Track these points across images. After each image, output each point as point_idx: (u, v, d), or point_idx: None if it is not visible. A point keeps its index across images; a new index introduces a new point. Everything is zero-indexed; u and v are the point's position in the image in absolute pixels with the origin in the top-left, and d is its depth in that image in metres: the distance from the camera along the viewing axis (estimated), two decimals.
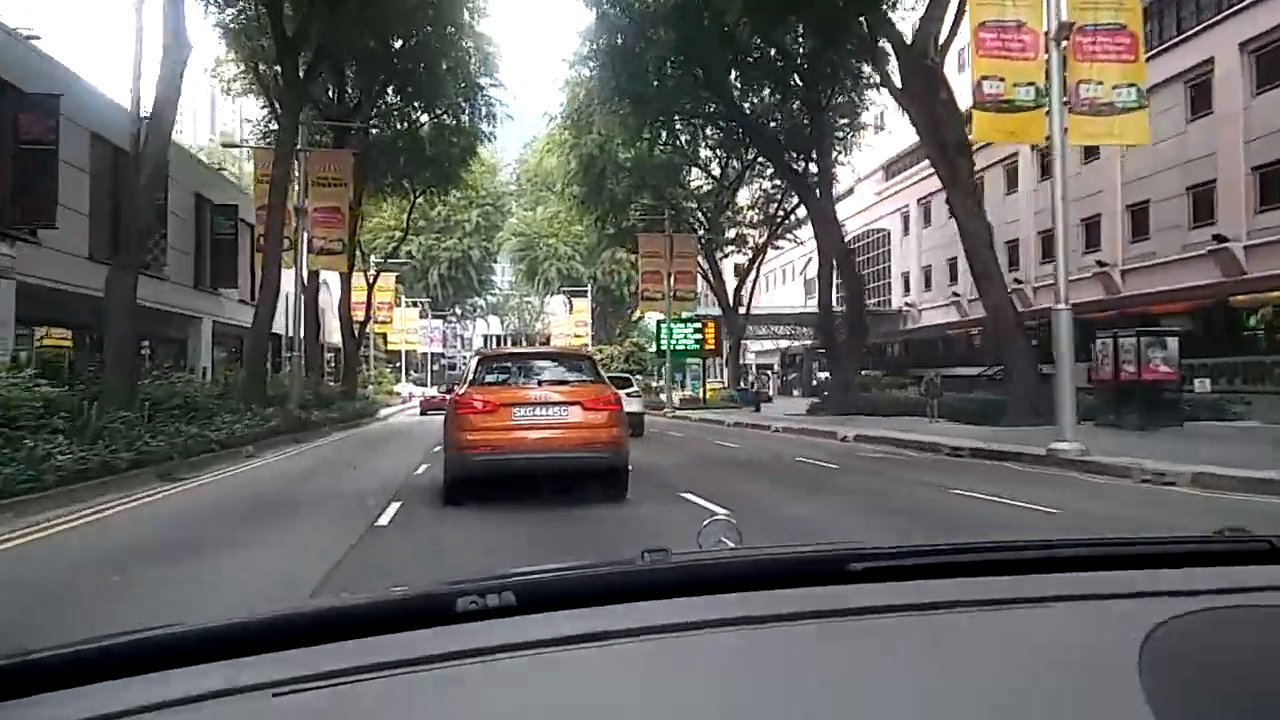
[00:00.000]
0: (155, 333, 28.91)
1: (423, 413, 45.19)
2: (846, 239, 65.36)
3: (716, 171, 54.11)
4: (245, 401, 22.90)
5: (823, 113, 35.39)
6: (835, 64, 33.87)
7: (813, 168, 39.09)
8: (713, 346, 47.47)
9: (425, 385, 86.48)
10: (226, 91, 40.73)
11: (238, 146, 33.85)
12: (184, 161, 32.65)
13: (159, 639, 1.08)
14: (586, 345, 76.75)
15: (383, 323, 61.02)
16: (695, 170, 55.49)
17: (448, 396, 14.43)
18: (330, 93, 36.88)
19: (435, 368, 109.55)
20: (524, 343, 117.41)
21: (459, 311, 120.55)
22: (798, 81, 35.31)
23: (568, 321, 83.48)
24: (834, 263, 35.98)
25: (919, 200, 53.57)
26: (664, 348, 45.39)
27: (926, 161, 56.78)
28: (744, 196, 57.06)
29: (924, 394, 25.44)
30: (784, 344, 70.35)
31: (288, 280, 28.54)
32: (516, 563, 1.77)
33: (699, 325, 46.21)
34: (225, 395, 22.96)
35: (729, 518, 1.69)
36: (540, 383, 10.60)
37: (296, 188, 28.42)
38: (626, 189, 49.10)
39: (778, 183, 53.05)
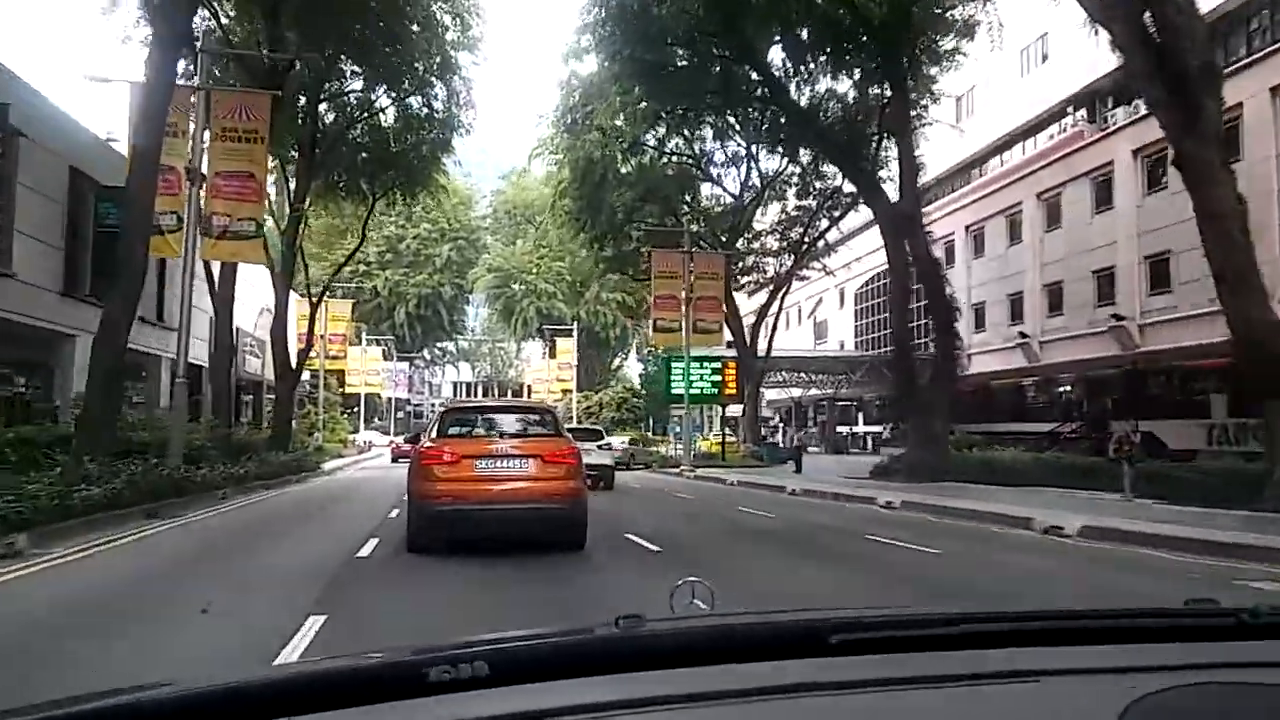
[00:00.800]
0: None
1: (393, 459, 43.84)
2: (868, 275, 58.54)
3: (734, 186, 45.62)
4: (83, 451, 13.98)
5: (904, 85, 26.95)
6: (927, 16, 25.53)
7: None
8: (733, 391, 38.61)
9: (388, 433, 77.05)
10: None
11: (107, 81, 24.18)
12: (55, 122, 23.71)
13: (108, 709, 1.07)
14: (570, 393, 67.64)
15: (335, 358, 51.56)
16: (706, 187, 46.93)
17: (412, 447, 13.53)
18: (259, 41, 27.99)
19: (400, 414, 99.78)
20: (496, 391, 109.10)
21: (428, 356, 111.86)
22: (869, 44, 26.74)
23: (547, 367, 74.32)
24: (906, 286, 27.38)
25: (968, 227, 45.40)
26: (676, 391, 36.32)
27: (973, 183, 49.31)
28: (759, 221, 48.58)
29: (1115, 455, 16.75)
30: (796, 393, 61.64)
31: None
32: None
33: (717, 365, 37.43)
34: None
35: (701, 580, 1.63)
36: (502, 435, 10.89)
37: (192, 142, 19.93)
38: (629, 202, 40.46)
39: (804, 202, 44.70)
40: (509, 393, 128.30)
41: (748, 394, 41.52)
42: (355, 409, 68.31)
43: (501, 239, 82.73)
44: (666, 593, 1.76)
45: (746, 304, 47.92)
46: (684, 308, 33.93)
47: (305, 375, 41.17)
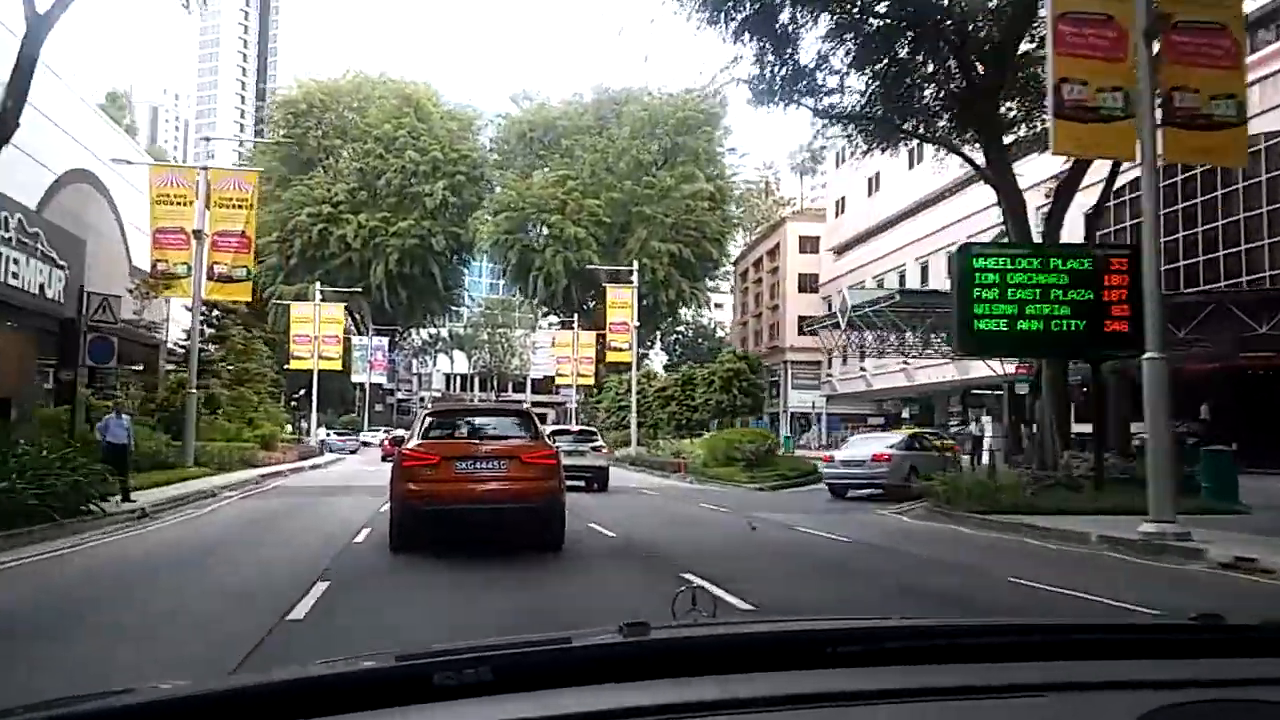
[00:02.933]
0: None
1: (384, 458, 35.60)
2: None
3: None
4: None
5: None
6: None
7: None
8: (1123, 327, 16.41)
9: (360, 430, 54.62)
10: None
11: None
12: None
13: (99, 710, 1.07)
14: (627, 370, 45.14)
15: (225, 279, 28.30)
16: None
17: (396, 448, 14.78)
18: None
19: (379, 407, 76.71)
20: (495, 385, 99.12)
21: (417, 340, 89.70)
22: None
23: (575, 343, 51.71)
24: None
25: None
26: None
27: None
28: None
29: None
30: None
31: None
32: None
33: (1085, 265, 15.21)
34: None
35: (702, 586, 1.65)
36: (483, 437, 11.35)
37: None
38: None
39: None
40: (509, 387, 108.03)
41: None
42: (302, 393, 45.70)
43: (514, 171, 59.66)
44: None
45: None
46: None
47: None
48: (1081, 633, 1.39)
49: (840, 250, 63.40)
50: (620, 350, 42.84)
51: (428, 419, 12.03)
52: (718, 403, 37.76)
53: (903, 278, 49.38)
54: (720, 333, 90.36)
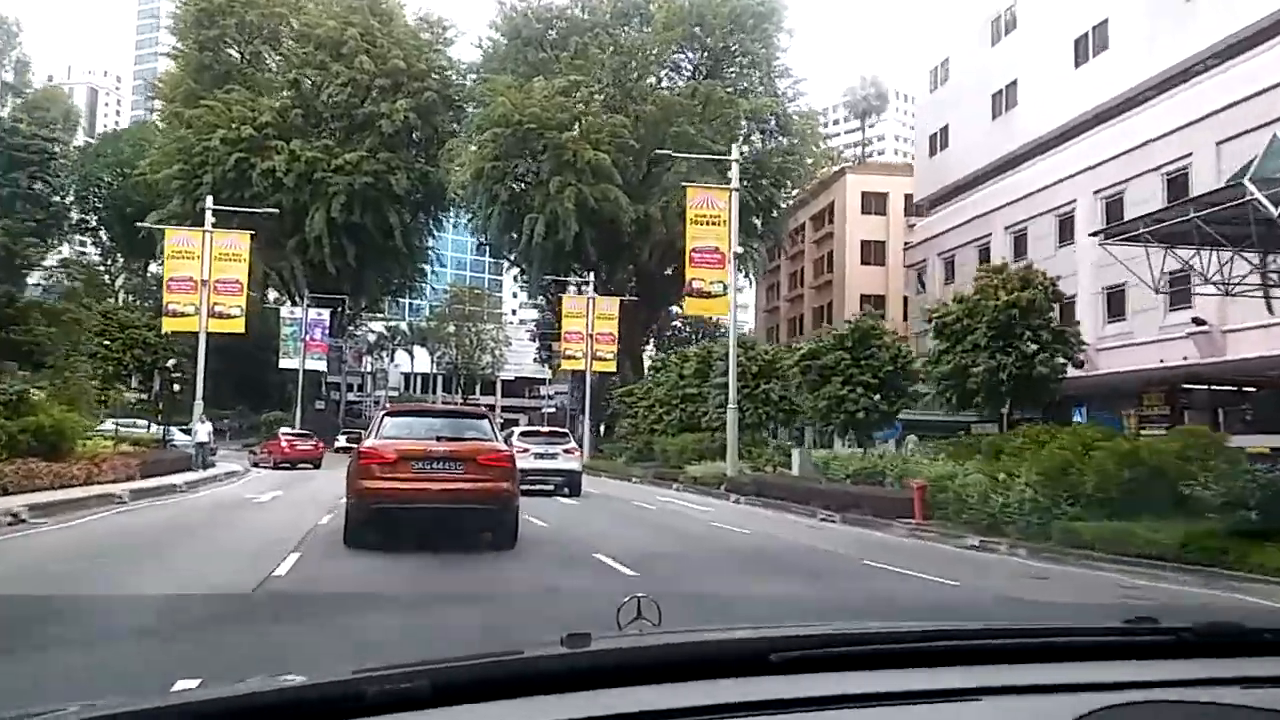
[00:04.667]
0: None
1: (276, 465, 32.16)
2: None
3: None
4: None
5: None
6: None
7: None
8: None
9: (291, 430, 36.95)
10: None
11: None
12: None
13: None
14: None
15: None
16: None
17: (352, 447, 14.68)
18: None
19: (319, 404, 58.85)
20: (460, 386, 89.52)
21: (370, 332, 73.44)
22: None
23: (591, 310, 34.43)
24: None
25: None
26: None
27: None
28: None
29: None
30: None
31: None
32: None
33: None
34: None
35: (647, 595, 1.66)
36: (439, 438, 11.17)
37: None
38: None
39: None
40: (477, 388, 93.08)
41: None
42: (179, 371, 28.32)
43: (515, 74, 41.95)
44: None
45: None
46: None
47: None
48: (1018, 637, 1.39)
49: (938, 201, 47.22)
50: (709, 296, 25.99)
51: (385, 419, 12.33)
52: (987, 372, 19.34)
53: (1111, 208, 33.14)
54: (722, 328, 71.55)
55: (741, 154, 44.50)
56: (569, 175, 40.88)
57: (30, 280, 61.51)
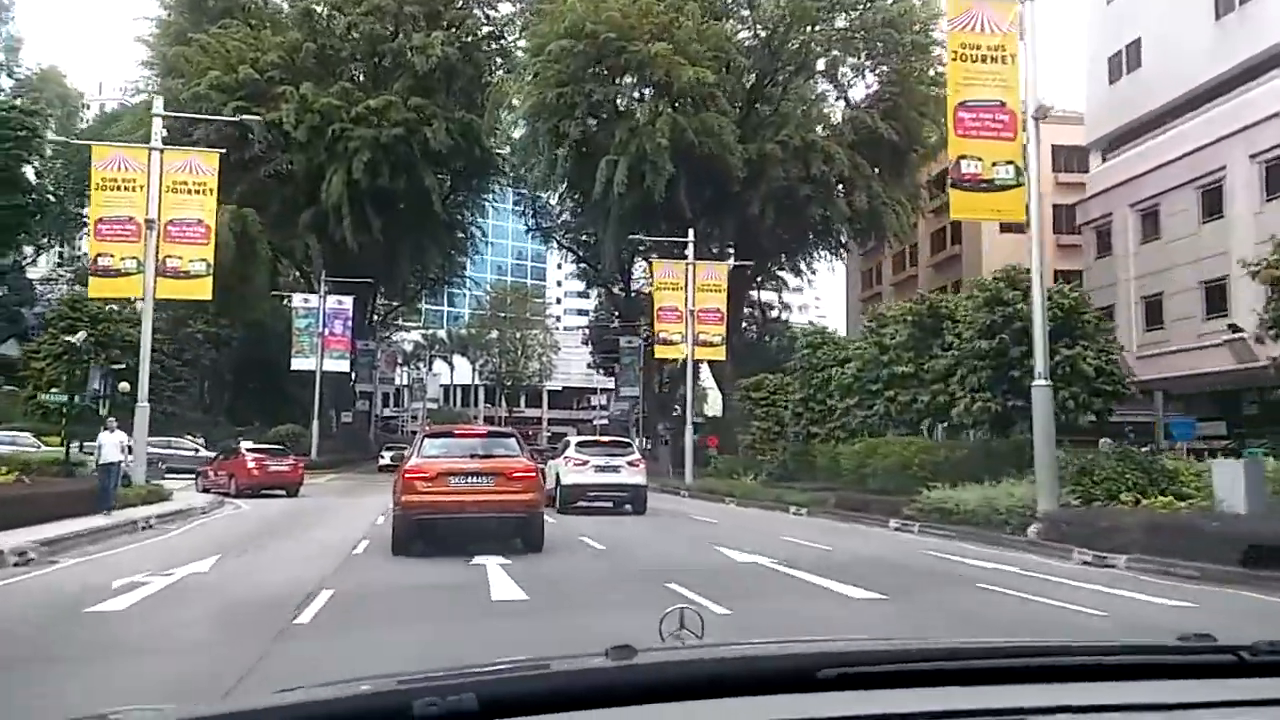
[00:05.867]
0: None
1: (206, 490, 24.51)
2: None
3: None
4: None
5: None
6: None
7: None
8: None
9: (258, 445, 26.75)
10: None
11: None
12: None
13: None
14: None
15: None
16: None
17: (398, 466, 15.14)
18: None
19: (346, 417, 49.34)
20: (505, 396, 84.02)
21: (407, 339, 66.22)
22: None
23: (690, 277, 23.73)
24: None
25: None
26: None
27: None
28: None
29: None
30: None
31: None
32: None
33: None
34: None
35: (690, 606, 1.66)
36: (473, 456, 12.60)
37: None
38: None
39: None
40: (521, 400, 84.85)
41: None
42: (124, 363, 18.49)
43: None
44: None
45: None
46: None
47: None
48: (1072, 655, 1.37)
49: (1124, 139, 36.46)
50: (986, 187, 15.41)
51: (426, 440, 13.53)
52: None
53: None
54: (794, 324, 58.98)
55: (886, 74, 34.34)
56: (659, 101, 30.56)
57: None
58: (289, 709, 1.12)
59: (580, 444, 20.56)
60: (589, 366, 74.43)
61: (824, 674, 1.18)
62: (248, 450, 24.36)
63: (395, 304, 62.43)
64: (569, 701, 1.10)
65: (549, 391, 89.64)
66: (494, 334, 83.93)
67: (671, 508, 21.91)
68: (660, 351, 31.72)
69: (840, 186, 32.86)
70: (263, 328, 47.30)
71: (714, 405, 68.12)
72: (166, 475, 23.90)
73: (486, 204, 54.70)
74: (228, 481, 23.26)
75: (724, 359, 31.69)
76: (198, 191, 20.85)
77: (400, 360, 75.01)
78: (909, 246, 54.57)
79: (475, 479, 12.05)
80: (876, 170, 34.99)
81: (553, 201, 54.65)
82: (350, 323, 41.65)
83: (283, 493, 23.31)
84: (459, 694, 1.06)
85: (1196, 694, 1.21)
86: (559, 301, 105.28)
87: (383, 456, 38.74)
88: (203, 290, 20.84)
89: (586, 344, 70.77)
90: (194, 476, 25.03)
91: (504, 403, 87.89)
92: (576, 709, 1.08)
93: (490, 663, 1.24)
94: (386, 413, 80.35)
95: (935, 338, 16.50)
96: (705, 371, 69.13)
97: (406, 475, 12.18)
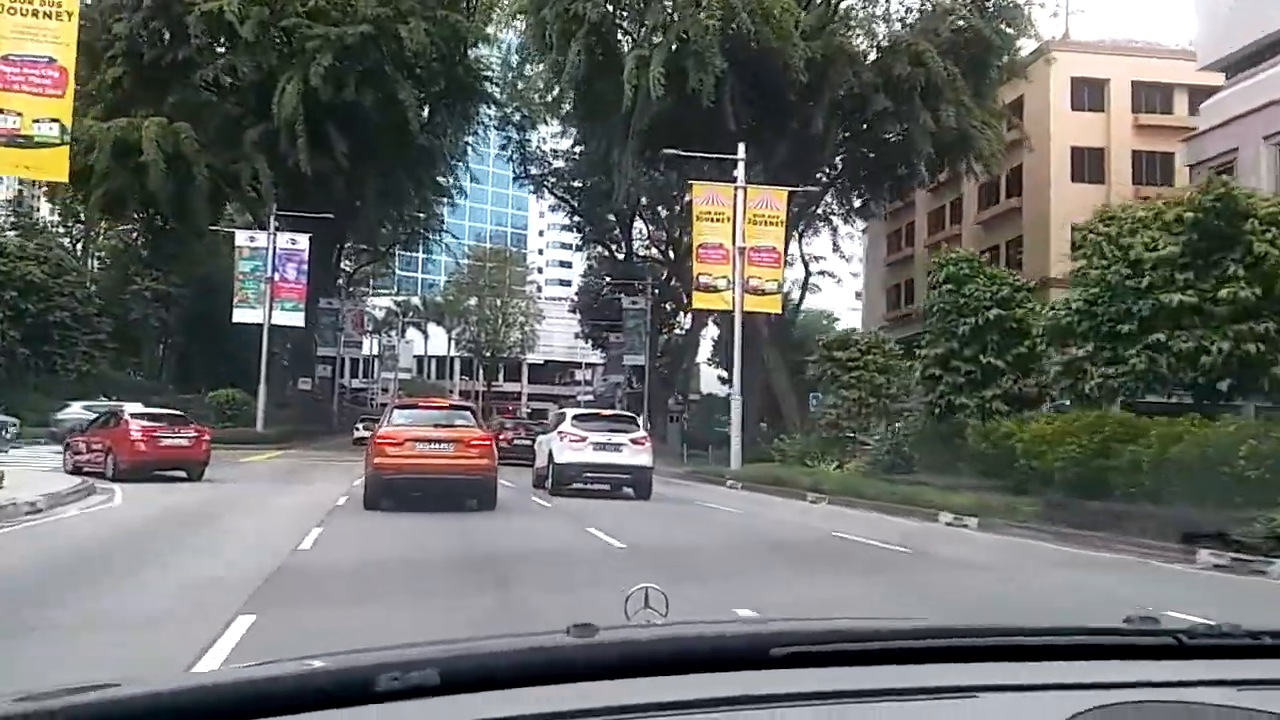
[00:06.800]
0: None
1: (74, 469, 18.48)
2: None
3: None
4: None
5: None
6: None
7: None
8: None
9: (147, 410, 19.16)
10: None
11: None
12: None
13: (32, 711, 1.05)
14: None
15: None
16: None
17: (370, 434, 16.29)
18: None
19: (303, 384, 42.02)
20: (482, 369, 79.15)
21: (376, 305, 60.03)
22: None
23: (740, 206, 16.53)
24: None
25: None
26: None
27: None
28: None
29: None
30: None
31: None
32: None
33: None
34: None
35: (655, 585, 1.64)
36: (436, 425, 14.26)
37: None
38: None
39: None
40: (500, 373, 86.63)
41: None
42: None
43: None
44: None
45: None
46: None
47: None
48: (1017, 635, 1.39)
49: (1250, 61, 30.00)
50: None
51: (394, 410, 15.66)
52: None
53: None
54: (803, 302, 51.29)
55: None
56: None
57: None
58: (248, 685, 1.10)
59: (577, 418, 18.92)
60: (576, 337, 67.96)
61: (776, 651, 1.20)
62: (133, 417, 17.07)
63: (364, 258, 55.12)
64: (530, 677, 1.11)
65: (530, 365, 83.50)
66: (472, 301, 77.75)
67: (732, 509, 16.56)
68: (699, 301, 24.66)
69: (922, 100, 26.11)
70: (212, 282, 39.97)
71: (708, 383, 61.91)
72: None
73: (469, 144, 47.66)
74: (104, 459, 16.21)
75: (780, 311, 24.84)
76: (47, 15, 14.16)
77: (371, 328, 67.81)
78: (949, 202, 48.18)
79: (438, 445, 13.67)
80: (950, 88, 28.32)
81: (547, 141, 47.55)
82: (306, 266, 34.35)
83: (183, 475, 16.62)
84: (421, 669, 1.07)
85: (1134, 674, 1.24)
86: (540, 271, 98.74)
87: (357, 429, 36.89)
88: (54, 166, 14.58)
89: (574, 312, 64.34)
90: (63, 450, 18.08)
91: (481, 375, 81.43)
92: (537, 684, 1.10)
93: (452, 639, 1.25)
94: (355, 384, 73.52)
95: (1229, 249, 9.88)
96: (704, 349, 62.56)
97: (378, 441, 13.86)
